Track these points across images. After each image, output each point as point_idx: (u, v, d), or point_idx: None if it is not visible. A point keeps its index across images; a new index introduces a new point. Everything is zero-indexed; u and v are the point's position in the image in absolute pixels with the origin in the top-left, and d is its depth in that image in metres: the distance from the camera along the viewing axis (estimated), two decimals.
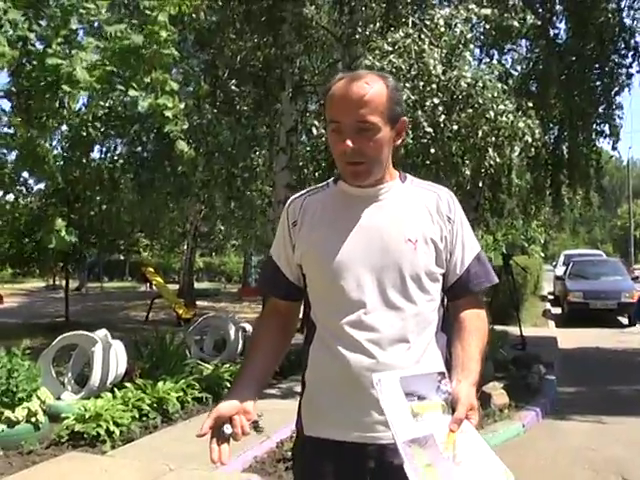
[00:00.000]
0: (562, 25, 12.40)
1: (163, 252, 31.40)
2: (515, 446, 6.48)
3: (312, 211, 2.09)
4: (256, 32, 10.73)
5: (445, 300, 2.11)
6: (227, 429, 1.90)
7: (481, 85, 7.49)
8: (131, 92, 7.30)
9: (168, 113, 7.39)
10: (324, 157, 8.40)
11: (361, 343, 1.93)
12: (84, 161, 10.95)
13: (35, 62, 6.78)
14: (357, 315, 1.95)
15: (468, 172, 8.04)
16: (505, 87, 7.99)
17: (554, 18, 11.67)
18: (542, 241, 25.10)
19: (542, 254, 24.80)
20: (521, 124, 7.59)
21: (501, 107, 7.48)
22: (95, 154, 12.00)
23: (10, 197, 11.18)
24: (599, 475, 5.61)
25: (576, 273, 18.81)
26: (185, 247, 25.07)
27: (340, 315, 1.96)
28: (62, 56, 6.67)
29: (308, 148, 9.92)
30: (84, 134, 10.10)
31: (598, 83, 12.08)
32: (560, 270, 22.15)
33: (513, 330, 12.05)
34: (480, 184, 9.76)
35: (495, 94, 7.56)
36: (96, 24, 7.23)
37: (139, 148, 11.45)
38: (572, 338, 13.78)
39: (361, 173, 1.96)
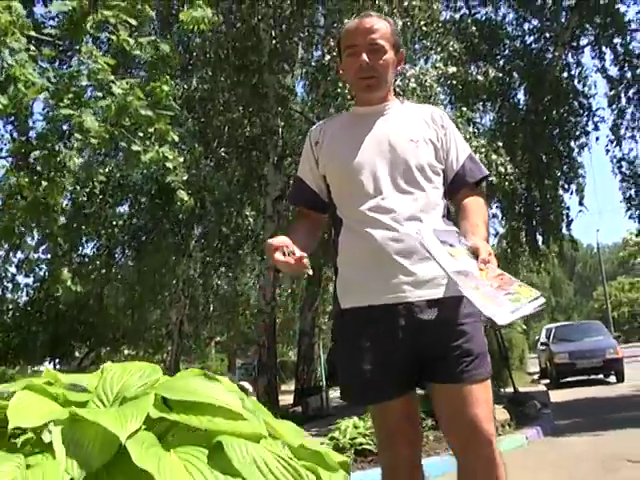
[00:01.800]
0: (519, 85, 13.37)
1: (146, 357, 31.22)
2: (519, 453, 6.73)
3: (331, 131, 2.57)
4: (241, 104, 11.46)
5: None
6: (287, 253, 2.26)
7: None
8: (134, 147, 7.79)
9: (169, 164, 7.88)
10: None
11: (382, 221, 2.34)
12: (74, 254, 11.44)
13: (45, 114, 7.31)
14: (376, 201, 2.37)
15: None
16: (476, 130, 8.67)
17: (514, 76, 12.61)
18: None
19: (524, 326, 25.12)
20: (494, 156, 8.23)
21: (474, 143, 8.13)
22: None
23: None
24: (604, 463, 5.86)
25: (560, 337, 19.12)
26: (170, 348, 24.94)
27: (362, 204, 2.38)
28: (73, 109, 7.17)
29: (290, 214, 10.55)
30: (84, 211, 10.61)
31: (558, 141, 12.91)
32: (544, 335, 22.45)
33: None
34: None
35: (467, 136, 8.27)
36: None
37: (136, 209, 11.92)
38: (563, 394, 14.01)
39: (373, 85, 2.45)
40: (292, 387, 16.94)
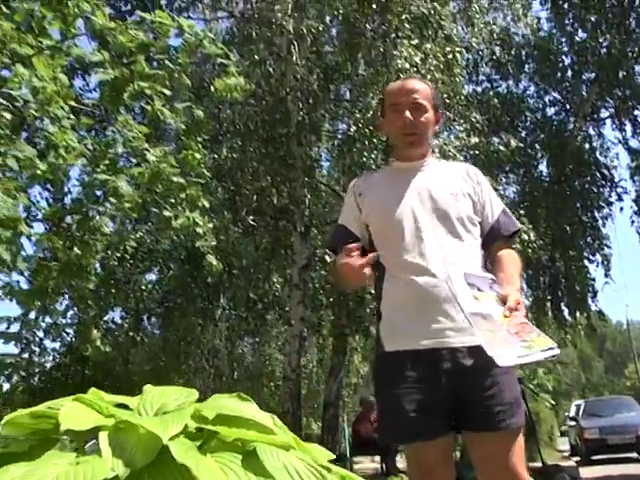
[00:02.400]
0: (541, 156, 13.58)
1: None
2: None
3: (373, 184, 2.80)
4: (269, 173, 11.79)
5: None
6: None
7: None
8: (165, 212, 8.03)
9: (199, 230, 8.10)
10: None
11: (425, 269, 2.50)
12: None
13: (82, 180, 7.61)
14: (418, 249, 2.54)
15: None
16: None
17: (535, 147, 12.85)
18: (550, 388, 25.10)
19: (552, 402, 24.75)
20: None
21: None
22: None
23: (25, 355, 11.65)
24: None
25: (590, 412, 18.70)
26: None
27: (405, 252, 2.55)
28: (108, 174, 7.45)
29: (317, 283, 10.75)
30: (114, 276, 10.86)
31: (581, 212, 13.02)
32: (573, 411, 22.00)
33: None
34: None
35: None
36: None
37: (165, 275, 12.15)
38: (594, 470, 13.64)
39: (415, 142, 2.69)
40: None
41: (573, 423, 20.24)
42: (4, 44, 5.39)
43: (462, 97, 11.23)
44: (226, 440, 1.50)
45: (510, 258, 2.64)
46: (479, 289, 2.39)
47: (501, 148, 10.06)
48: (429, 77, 10.79)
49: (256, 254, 10.84)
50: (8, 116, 5.71)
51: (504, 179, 12.78)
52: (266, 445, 1.45)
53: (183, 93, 7.05)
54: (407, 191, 2.65)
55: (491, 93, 12.52)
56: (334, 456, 1.82)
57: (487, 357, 2.35)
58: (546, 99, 13.64)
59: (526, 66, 13.92)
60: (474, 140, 9.97)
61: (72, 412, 1.49)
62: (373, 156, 10.54)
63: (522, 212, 9.43)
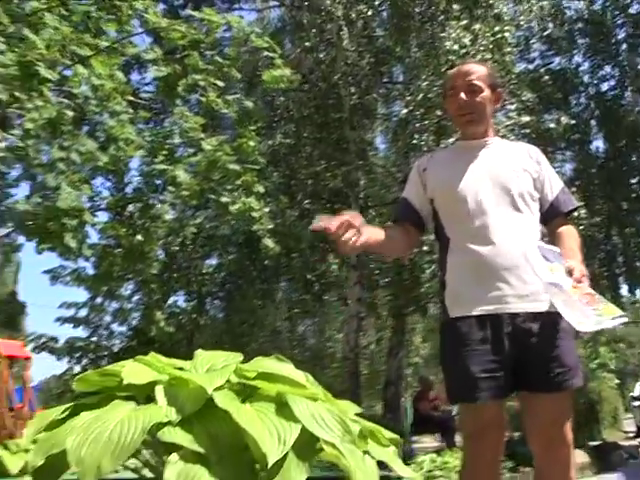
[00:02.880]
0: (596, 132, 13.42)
1: None
2: None
3: (438, 160, 2.93)
4: (324, 158, 12.00)
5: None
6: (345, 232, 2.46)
7: None
8: (223, 199, 8.34)
9: (255, 214, 8.39)
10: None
11: (488, 239, 2.63)
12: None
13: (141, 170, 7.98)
14: (481, 221, 2.66)
15: None
16: None
17: (590, 123, 12.71)
18: (613, 367, 24.64)
19: (617, 380, 24.25)
20: None
21: None
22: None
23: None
24: None
25: None
26: None
27: (469, 224, 2.68)
28: (167, 164, 7.79)
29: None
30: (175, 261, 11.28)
31: (637, 187, 12.85)
32: (637, 391, 21.62)
33: None
34: None
35: None
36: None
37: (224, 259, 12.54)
38: None
39: (471, 120, 2.79)
40: None
41: (637, 403, 19.91)
42: (64, 47, 5.72)
43: (513, 76, 11.18)
44: (263, 393, 1.75)
45: (569, 233, 2.77)
46: (550, 261, 2.58)
47: (552, 126, 10.03)
48: (479, 57, 10.81)
49: (312, 236, 11.05)
50: (70, 113, 6.04)
51: (559, 156, 12.70)
52: (297, 397, 1.69)
53: (234, 85, 7.29)
54: (471, 166, 2.77)
55: (542, 70, 12.37)
56: (361, 410, 2.04)
57: (548, 322, 2.56)
58: (600, 74, 13.44)
59: (579, 41, 13.76)
60: (525, 119, 9.97)
61: (133, 370, 1.76)
62: (424, 138, 10.63)
63: (575, 189, 9.41)
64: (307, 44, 11.83)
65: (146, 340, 10.93)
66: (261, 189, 8.51)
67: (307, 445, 1.60)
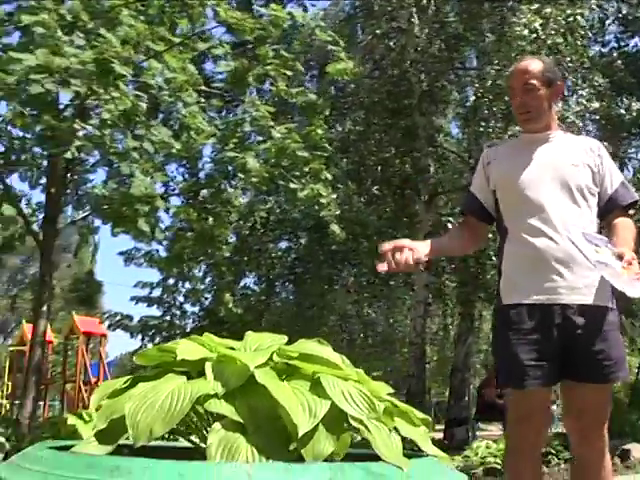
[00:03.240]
0: None
1: None
2: None
3: (502, 153, 3.09)
4: (393, 144, 12.10)
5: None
6: (397, 254, 2.78)
7: None
8: (291, 184, 8.56)
9: (323, 200, 8.59)
10: None
11: (544, 231, 2.77)
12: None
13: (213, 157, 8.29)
14: (539, 214, 2.80)
15: None
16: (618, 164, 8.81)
17: None
18: None
19: None
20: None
21: None
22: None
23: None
24: None
25: None
26: None
27: (527, 216, 2.82)
28: (237, 152, 8.06)
29: None
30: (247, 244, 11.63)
31: None
32: None
33: None
34: None
35: None
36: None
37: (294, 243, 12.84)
38: None
39: (528, 119, 2.94)
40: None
41: None
42: (138, 43, 6.03)
43: (585, 60, 11.02)
44: (301, 372, 1.94)
45: (625, 224, 2.85)
46: (597, 245, 2.67)
47: (622, 112, 9.86)
48: (549, 42, 10.70)
49: (379, 222, 11.22)
50: (144, 105, 6.34)
51: (634, 142, 12.43)
52: (330, 376, 1.87)
53: (300, 75, 7.49)
54: (532, 160, 2.90)
55: (615, 54, 12.08)
56: (392, 390, 2.20)
57: (597, 315, 2.69)
58: None
59: None
60: (595, 105, 9.84)
61: (187, 347, 1.97)
62: (491, 125, 10.61)
63: None
64: (378, 31, 11.90)
65: (217, 320, 11.29)
66: (329, 176, 8.71)
67: (336, 420, 1.77)
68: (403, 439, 1.98)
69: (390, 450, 1.76)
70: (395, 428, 1.94)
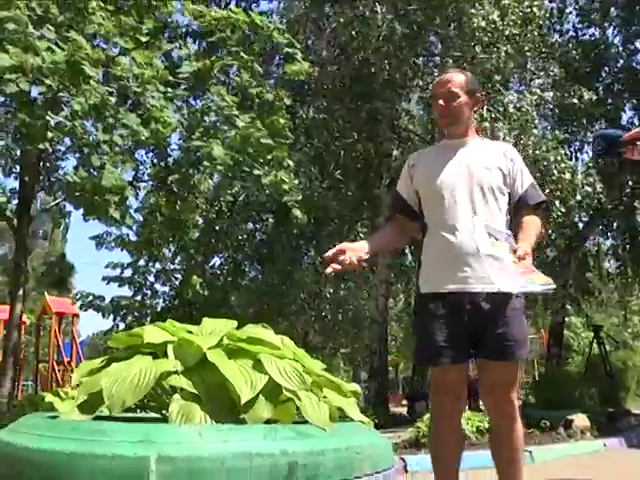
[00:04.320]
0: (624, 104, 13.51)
1: None
2: (594, 458, 7.10)
3: (424, 157, 3.45)
4: (356, 129, 12.45)
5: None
6: (340, 257, 3.21)
7: (545, 149, 8.89)
8: (255, 171, 8.90)
9: (285, 186, 8.96)
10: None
11: (456, 227, 3.13)
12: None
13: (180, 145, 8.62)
14: (453, 211, 3.16)
15: (542, 230, 9.34)
16: (568, 152, 9.33)
17: (623, 96, 12.83)
18: None
19: None
20: (579, 176, 8.89)
21: (562, 165, 8.81)
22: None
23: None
24: None
25: None
26: None
27: (442, 213, 3.18)
28: (203, 140, 8.37)
29: None
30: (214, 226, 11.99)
31: None
32: None
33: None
34: (567, 261, 10.92)
35: (558, 157, 8.94)
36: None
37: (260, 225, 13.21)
38: None
39: (449, 123, 3.30)
40: None
41: None
42: (107, 41, 6.34)
43: (543, 50, 11.43)
44: (245, 352, 2.34)
45: (531, 221, 3.18)
46: (496, 239, 3.05)
47: (574, 101, 10.34)
48: (507, 33, 11.08)
49: (341, 206, 11.58)
50: (113, 100, 6.65)
51: (584, 131, 12.89)
52: (269, 355, 2.28)
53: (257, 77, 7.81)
54: (449, 163, 3.21)
55: (570, 45, 12.51)
56: (325, 366, 2.61)
57: (501, 302, 3.05)
58: (632, 47, 13.50)
59: (612, 12, 13.77)
60: (549, 95, 10.31)
61: (152, 332, 2.38)
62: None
63: (590, 164, 9.79)
64: (341, 19, 12.18)
65: (187, 300, 11.63)
66: (291, 163, 9.06)
67: (273, 391, 2.18)
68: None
69: (317, 415, 2.18)
70: (324, 397, 2.36)
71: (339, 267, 3.11)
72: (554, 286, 2.92)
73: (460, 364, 3.16)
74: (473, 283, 3.07)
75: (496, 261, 3.00)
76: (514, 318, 3.10)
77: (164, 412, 2.27)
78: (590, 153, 12.63)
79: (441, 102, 3.26)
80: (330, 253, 3.14)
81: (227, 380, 2.12)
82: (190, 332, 2.51)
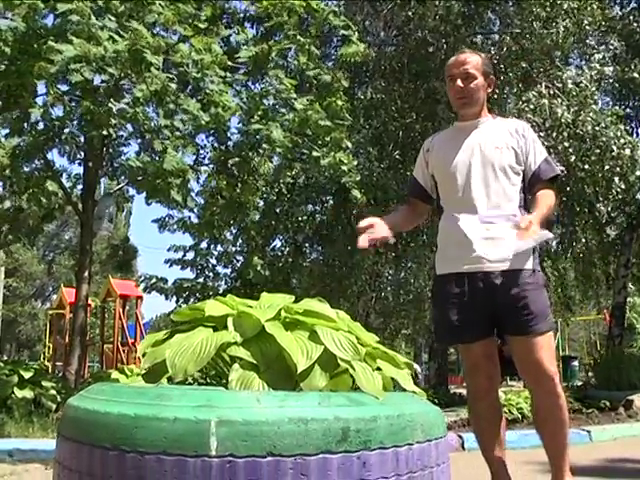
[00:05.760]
0: None
1: None
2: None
3: (439, 141, 3.49)
4: (414, 110, 12.40)
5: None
6: (371, 230, 3.21)
7: (604, 125, 8.73)
8: (314, 153, 8.99)
9: (344, 167, 9.02)
10: None
11: (470, 209, 3.17)
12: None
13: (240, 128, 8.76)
14: (466, 193, 3.22)
15: (603, 208, 9.21)
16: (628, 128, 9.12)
17: None
18: None
19: None
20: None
21: (622, 141, 8.63)
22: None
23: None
24: None
25: None
26: None
27: (456, 195, 3.25)
28: (262, 124, 8.49)
29: None
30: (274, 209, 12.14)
31: None
32: None
33: None
34: (628, 240, 10.71)
35: (618, 133, 8.77)
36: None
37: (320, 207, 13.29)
38: None
39: (466, 103, 3.32)
40: None
41: None
42: (167, 29, 6.49)
43: (602, 23, 11.16)
44: (302, 324, 2.43)
45: (544, 194, 3.20)
46: (491, 222, 3.11)
47: (635, 75, 10.08)
48: (566, 7, 10.85)
49: (400, 186, 11.54)
50: (174, 86, 6.82)
51: None
52: (324, 327, 2.36)
53: (314, 60, 7.86)
54: (462, 146, 3.27)
55: (631, 17, 12.16)
56: (378, 339, 2.68)
57: (515, 278, 3.09)
58: None
59: None
60: (609, 69, 10.08)
61: (213, 306, 2.48)
62: (506, 91, 10.88)
63: None
64: (398, 0, 12.12)
65: (249, 282, 11.81)
66: (349, 144, 9.12)
67: (328, 361, 2.26)
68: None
69: (370, 383, 2.25)
70: (379, 368, 2.43)
71: (366, 245, 3.14)
72: (550, 235, 3.00)
73: (481, 341, 3.19)
74: (486, 262, 3.12)
75: (490, 241, 3.06)
76: (531, 292, 3.11)
77: (224, 382, 2.37)
78: None
79: (459, 83, 3.27)
80: (363, 225, 3.18)
81: (284, 350, 2.20)
82: (249, 306, 2.60)
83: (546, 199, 3.21)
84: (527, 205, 3.26)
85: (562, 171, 3.36)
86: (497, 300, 3.10)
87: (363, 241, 3.12)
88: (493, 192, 3.18)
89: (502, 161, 3.22)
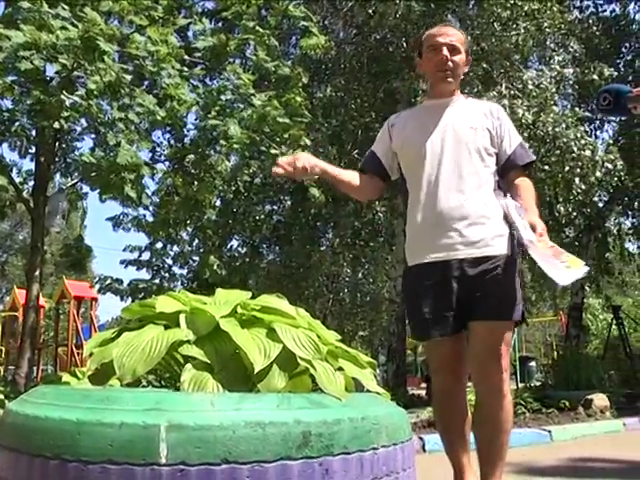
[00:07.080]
0: None
1: None
2: (613, 438, 6.98)
3: (405, 117, 3.26)
4: (373, 109, 12.34)
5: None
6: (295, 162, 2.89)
7: (564, 127, 8.77)
8: (272, 150, 8.84)
9: None
10: None
11: (441, 192, 2.98)
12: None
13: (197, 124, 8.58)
14: (437, 175, 3.00)
15: (562, 209, 9.26)
16: (587, 129, 9.20)
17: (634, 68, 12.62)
18: None
19: None
20: (600, 153, 8.76)
21: (582, 142, 8.67)
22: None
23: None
24: None
25: None
26: None
27: (426, 178, 3.02)
28: (219, 119, 8.32)
29: None
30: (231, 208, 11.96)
31: None
32: None
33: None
34: (586, 242, 10.81)
35: (578, 134, 8.81)
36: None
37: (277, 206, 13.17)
38: None
39: (448, 76, 3.07)
40: None
41: None
42: (122, 18, 6.29)
43: (562, 26, 11.24)
44: (259, 321, 2.30)
45: (526, 187, 3.04)
46: (521, 217, 2.92)
47: (594, 77, 10.17)
48: (526, 9, 10.89)
49: None
50: (128, 77, 6.61)
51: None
52: (283, 324, 2.23)
53: (273, 52, 7.73)
54: (433, 124, 3.04)
55: (590, 21, 12.29)
56: (339, 337, 2.55)
57: (490, 265, 2.91)
58: None
59: None
60: (569, 71, 10.16)
61: (164, 302, 2.33)
62: (466, 91, 10.86)
63: (611, 141, 9.68)
64: None
65: (205, 282, 11.60)
66: (308, 142, 8.99)
67: (287, 360, 2.13)
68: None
69: (331, 384, 2.12)
70: (340, 368, 2.31)
71: (290, 170, 2.89)
72: (587, 268, 2.85)
73: (453, 336, 3.00)
74: (461, 249, 2.93)
75: (534, 246, 2.79)
76: (506, 279, 2.94)
77: (177, 384, 2.23)
78: (620, 124, 12.41)
79: (445, 52, 3.04)
80: (287, 159, 2.95)
81: (240, 349, 2.07)
82: (204, 303, 2.46)
83: (532, 194, 3.07)
84: (501, 188, 3.10)
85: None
86: (471, 288, 2.91)
87: (277, 169, 2.88)
88: (466, 173, 3.00)
89: (477, 142, 3.03)
